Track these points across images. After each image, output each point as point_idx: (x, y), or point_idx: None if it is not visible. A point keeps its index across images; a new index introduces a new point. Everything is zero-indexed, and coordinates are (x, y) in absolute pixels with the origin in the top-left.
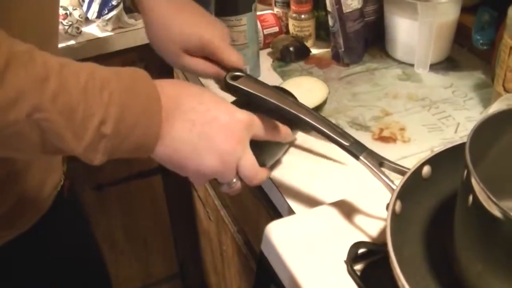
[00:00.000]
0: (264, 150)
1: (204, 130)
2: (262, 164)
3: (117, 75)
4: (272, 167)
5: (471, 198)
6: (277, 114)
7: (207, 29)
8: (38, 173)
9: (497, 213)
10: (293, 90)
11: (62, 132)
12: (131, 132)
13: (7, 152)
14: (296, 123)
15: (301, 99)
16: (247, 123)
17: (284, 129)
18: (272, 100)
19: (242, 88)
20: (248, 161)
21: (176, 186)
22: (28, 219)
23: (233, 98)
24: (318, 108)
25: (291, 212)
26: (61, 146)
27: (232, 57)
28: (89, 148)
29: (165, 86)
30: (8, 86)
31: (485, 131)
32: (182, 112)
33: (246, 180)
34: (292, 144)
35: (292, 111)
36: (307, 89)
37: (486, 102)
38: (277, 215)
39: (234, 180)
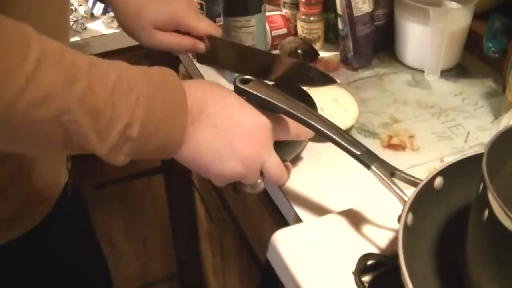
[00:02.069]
0: (284, 146)
1: (227, 135)
2: (283, 160)
3: (145, 76)
4: (292, 162)
5: (486, 213)
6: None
7: (173, 2)
8: (47, 172)
9: None
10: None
11: (87, 133)
12: (155, 135)
13: (30, 148)
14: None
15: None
16: (271, 126)
17: (305, 129)
18: (282, 105)
19: (251, 92)
20: (274, 164)
21: (177, 186)
22: (34, 218)
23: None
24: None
25: (297, 219)
26: (85, 146)
27: (202, 23)
28: (113, 150)
29: (191, 88)
30: (38, 85)
31: (502, 144)
32: (206, 116)
33: (271, 182)
34: (310, 139)
35: (303, 117)
36: (334, 102)
37: (496, 111)
38: (283, 222)
39: (259, 181)
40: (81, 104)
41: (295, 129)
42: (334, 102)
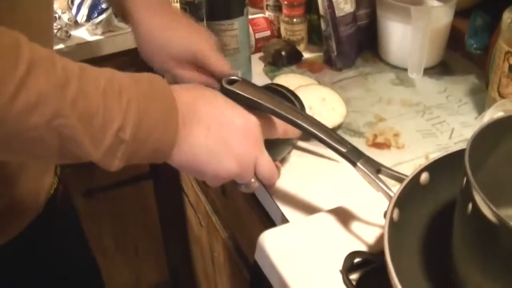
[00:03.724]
0: (273, 146)
1: (220, 134)
2: (273, 159)
3: (134, 81)
4: (281, 162)
5: (470, 206)
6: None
7: (195, 39)
8: (33, 177)
9: (497, 222)
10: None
11: (80, 138)
12: (148, 138)
13: (23, 156)
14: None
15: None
16: (261, 125)
17: (293, 128)
18: (268, 105)
19: (238, 93)
20: (265, 162)
21: (167, 192)
22: (19, 223)
23: None
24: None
25: (284, 220)
26: (79, 152)
27: (221, 66)
28: (107, 154)
29: (181, 92)
30: (29, 91)
31: (484, 139)
32: (198, 117)
33: (264, 181)
34: (297, 139)
35: (289, 116)
36: (322, 101)
37: (480, 107)
38: (270, 223)
39: (253, 180)
40: (74, 108)
41: (282, 127)
42: (322, 102)
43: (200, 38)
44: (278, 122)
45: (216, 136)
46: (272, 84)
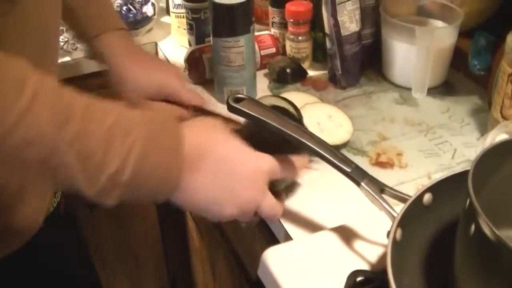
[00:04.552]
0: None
1: (226, 182)
2: (277, 190)
3: (145, 118)
4: (286, 192)
5: (473, 227)
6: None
7: (162, 74)
8: (33, 201)
9: (499, 243)
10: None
11: (75, 175)
12: (148, 181)
13: (17, 182)
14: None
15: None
16: (268, 171)
17: (301, 161)
18: (274, 124)
19: (244, 111)
20: (269, 205)
21: (167, 203)
22: (19, 240)
23: None
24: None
25: (287, 237)
26: (72, 187)
27: (191, 97)
28: (101, 193)
29: (191, 132)
30: (28, 127)
31: (487, 161)
32: (205, 163)
33: (267, 220)
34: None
35: (294, 135)
36: (328, 118)
37: (483, 127)
38: (273, 239)
39: (254, 217)
40: (71, 147)
41: (291, 165)
42: (329, 119)
43: (168, 72)
44: (289, 163)
45: (222, 184)
46: (278, 96)
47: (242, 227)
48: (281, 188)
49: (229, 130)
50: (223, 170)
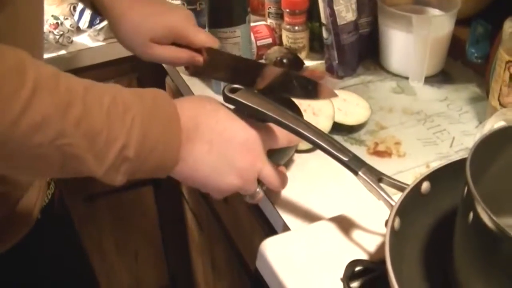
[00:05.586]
0: (276, 151)
1: (222, 150)
2: (277, 164)
3: (139, 98)
4: (285, 166)
5: (471, 215)
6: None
7: (170, 15)
8: (28, 195)
9: (497, 231)
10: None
11: (84, 155)
12: (151, 154)
13: (26, 172)
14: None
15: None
16: (263, 137)
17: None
18: (270, 113)
19: (240, 101)
20: (269, 172)
21: (167, 197)
22: (14, 236)
23: None
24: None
25: (286, 228)
26: (82, 168)
27: (200, 35)
28: (110, 170)
29: (183, 106)
30: (34, 112)
31: (485, 149)
32: (201, 133)
33: (273, 188)
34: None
35: (291, 125)
36: (344, 102)
37: (481, 115)
38: (271, 231)
39: (258, 190)
40: (77, 128)
41: (286, 136)
42: (344, 102)
43: (176, 13)
44: (280, 131)
45: (219, 152)
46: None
47: (247, 201)
48: (282, 163)
49: (218, 102)
50: (218, 140)
